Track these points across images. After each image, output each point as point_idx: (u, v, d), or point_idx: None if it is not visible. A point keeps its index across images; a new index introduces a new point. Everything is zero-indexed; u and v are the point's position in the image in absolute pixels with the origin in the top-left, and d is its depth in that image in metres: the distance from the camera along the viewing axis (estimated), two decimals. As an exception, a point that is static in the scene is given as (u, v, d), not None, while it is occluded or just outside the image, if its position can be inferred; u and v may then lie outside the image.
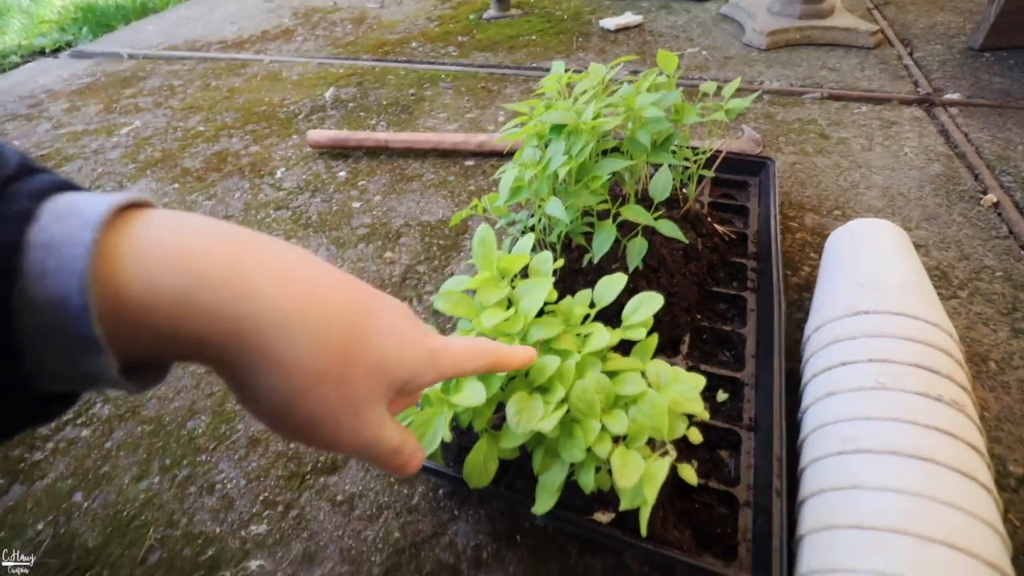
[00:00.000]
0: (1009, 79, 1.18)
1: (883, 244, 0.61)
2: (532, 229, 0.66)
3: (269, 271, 0.24)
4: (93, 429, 0.66)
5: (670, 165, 0.59)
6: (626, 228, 0.61)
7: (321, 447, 0.27)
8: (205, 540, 0.54)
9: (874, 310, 0.53)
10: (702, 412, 0.40)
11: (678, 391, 0.40)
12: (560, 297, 0.48)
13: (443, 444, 0.52)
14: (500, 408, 0.45)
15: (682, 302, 0.64)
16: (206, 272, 0.22)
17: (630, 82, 0.63)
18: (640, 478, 0.35)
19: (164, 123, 1.32)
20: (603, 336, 0.42)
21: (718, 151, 0.73)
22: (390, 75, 1.45)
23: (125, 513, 0.57)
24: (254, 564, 0.52)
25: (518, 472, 0.50)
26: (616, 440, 0.39)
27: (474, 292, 0.47)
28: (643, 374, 0.41)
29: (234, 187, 1.06)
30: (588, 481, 0.39)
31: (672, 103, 0.60)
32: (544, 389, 0.41)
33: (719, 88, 0.66)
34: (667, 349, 0.63)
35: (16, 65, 1.84)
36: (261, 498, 0.57)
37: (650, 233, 0.61)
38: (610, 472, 0.40)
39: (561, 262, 0.52)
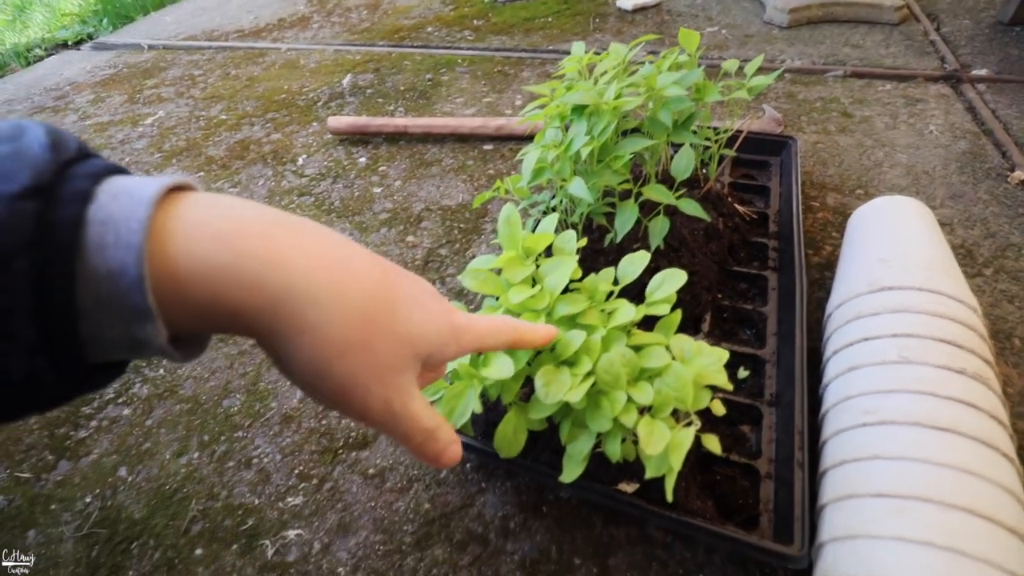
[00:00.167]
0: (1039, 53, 1.15)
1: (907, 221, 0.61)
2: (554, 210, 0.67)
3: (302, 247, 0.26)
4: (134, 408, 0.69)
5: (691, 144, 0.60)
6: (647, 208, 0.61)
7: (354, 416, 0.29)
8: (245, 511, 0.57)
9: (898, 286, 0.53)
10: (726, 383, 0.41)
11: (702, 363, 0.41)
12: (582, 277, 0.49)
13: (472, 417, 0.54)
14: (527, 383, 0.47)
15: (703, 281, 0.65)
16: (244, 248, 0.24)
17: (650, 62, 0.63)
18: (666, 446, 0.37)
19: (187, 112, 1.35)
20: (628, 311, 0.43)
21: (739, 131, 0.73)
22: (406, 61, 1.46)
23: (168, 487, 0.60)
24: (292, 533, 0.55)
25: (544, 446, 0.52)
26: (642, 411, 0.40)
27: (500, 271, 0.48)
28: (667, 348, 0.42)
29: (258, 174, 1.09)
30: (615, 450, 0.40)
31: (693, 82, 0.60)
32: (571, 363, 0.42)
33: (741, 67, 0.66)
34: (688, 328, 0.64)
35: (40, 58, 1.88)
36: (296, 472, 0.60)
37: (671, 213, 0.61)
38: (635, 442, 0.41)
39: (584, 241, 0.53)
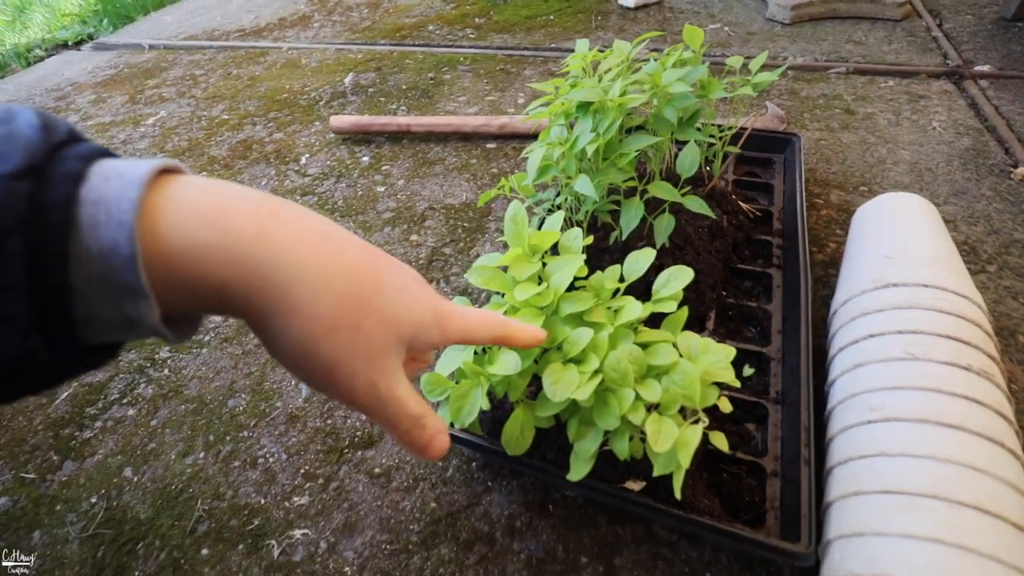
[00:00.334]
0: (1042, 49, 1.15)
1: (911, 217, 0.61)
2: (559, 208, 0.67)
3: (290, 227, 0.26)
4: (138, 408, 0.69)
5: (696, 141, 0.59)
6: (652, 206, 0.61)
7: (341, 398, 0.28)
8: (251, 511, 0.57)
9: (903, 282, 0.53)
10: (733, 380, 0.41)
11: (709, 361, 0.41)
12: (588, 275, 0.49)
13: (479, 416, 0.54)
14: (534, 381, 0.47)
15: (708, 279, 0.64)
16: (233, 226, 0.24)
17: (654, 59, 0.63)
18: (674, 444, 0.36)
19: (189, 112, 1.35)
20: (635, 308, 0.43)
21: (743, 128, 0.73)
22: (408, 59, 1.46)
23: (173, 487, 0.60)
24: (298, 533, 0.55)
25: (549, 445, 0.52)
26: (649, 409, 0.40)
27: (506, 268, 0.48)
28: (674, 345, 0.42)
29: (261, 174, 1.08)
30: (623, 448, 0.40)
31: (698, 78, 0.60)
32: (578, 361, 0.42)
33: (745, 64, 0.65)
34: (693, 326, 0.63)
35: (41, 58, 1.88)
36: (302, 471, 0.60)
37: (675, 211, 0.61)
38: (643, 440, 0.41)
39: (590, 239, 0.53)
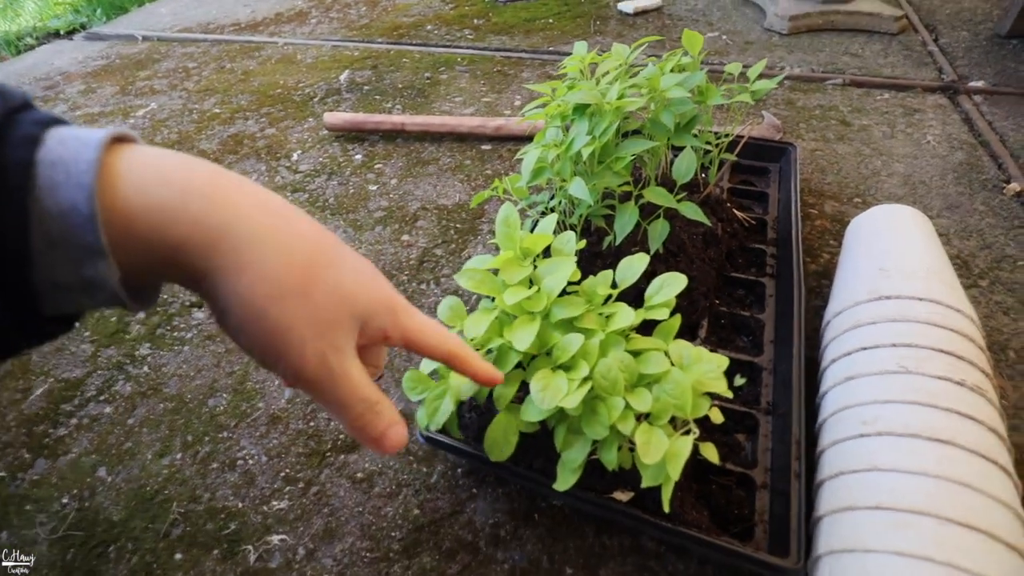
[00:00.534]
0: (1036, 66, 1.15)
1: (905, 230, 0.61)
2: (552, 211, 0.66)
3: (245, 194, 0.27)
4: (115, 406, 0.67)
5: (693, 148, 0.59)
6: (647, 211, 0.61)
7: (290, 370, 0.27)
8: (227, 515, 0.55)
9: (896, 295, 0.53)
10: (725, 391, 0.40)
11: (701, 370, 0.40)
12: (580, 280, 0.48)
13: (462, 423, 0.53)
14: (522, 387, 0.45)
15: (701, 287, 0.64)
16: (189, 187, 0.25)
17: (652, 64, 0.62)
18: (664, 455, 0.35)
19: (180, 105, 1.33)
20: (627, 315, 0.42)
21: (739, 136, 0.72)
22: (405, 58, 1.45)
23: (148, 488, 0.58)
24: (276, 538, 0.53)
25: (536, 452, 0.51)
26: (639, 418, 0.39)
27: (497, 271, 0.47)
28: (666, 353, 0.41)
29: (251, 169, 1.07)
30: (611, 458, 0.39)
31: (696, 84, 0.59)
32: (567, 367, 0.41)
33: (743, 71, 0.65)
34: (685, 334, 0.63)
35: (31, 47, 1.85)
36: (282, 475, 0.58)
37: (669, 217, 0.61)
38: (632, 450, 0.40)
39: (583, 243, 0.52)
